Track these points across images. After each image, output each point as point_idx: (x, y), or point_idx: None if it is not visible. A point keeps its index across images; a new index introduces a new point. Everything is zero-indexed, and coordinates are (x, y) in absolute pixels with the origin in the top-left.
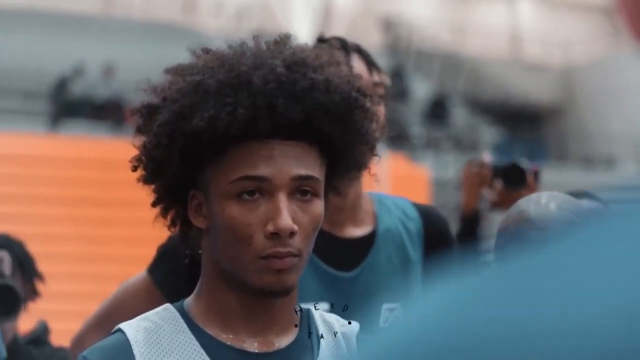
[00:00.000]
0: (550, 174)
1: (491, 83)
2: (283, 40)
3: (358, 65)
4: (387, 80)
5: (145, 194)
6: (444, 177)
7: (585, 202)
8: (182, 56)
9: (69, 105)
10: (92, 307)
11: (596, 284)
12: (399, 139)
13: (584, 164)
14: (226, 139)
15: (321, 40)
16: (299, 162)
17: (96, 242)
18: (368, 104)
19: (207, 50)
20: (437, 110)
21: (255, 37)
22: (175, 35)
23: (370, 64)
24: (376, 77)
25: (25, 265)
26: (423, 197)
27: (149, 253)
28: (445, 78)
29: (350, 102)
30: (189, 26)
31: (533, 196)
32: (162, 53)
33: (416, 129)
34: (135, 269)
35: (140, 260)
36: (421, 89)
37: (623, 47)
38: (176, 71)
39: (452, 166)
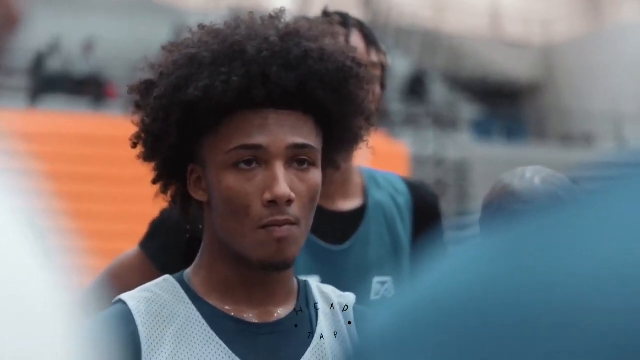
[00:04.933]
0: (529, 152)
1: (471, 60)
2: (277, 15)
3: (356, 42)
4: (386, 59)
5: (124, 170)
6: (423, 154)
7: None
8: (160, 32)
9: (48, 81)
10: (71, 280)
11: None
12: (377, 116)
13: (563, 141)
14: (221, 108)
15: (324, 15)
16: (294, 131)
17: (76, 217)
18: (363, 74)
19: (202, 27)
20: (416, 87)
21: (250, 13)
22: (154, 11)
23: (371, 42)
24: (374, 57)
25: None
26: (402, 173)
27: (129, 228)
28: (425, 55)
29: (345, 71)
30: (168, 2)
31: (517, 170)
32: (141, 29)
33: (395, 105)
34: (114, 244)
35: (120, 235)
36: (400, 66)
37: (603, 25)
38: (172, 46)
39: (431, 143)
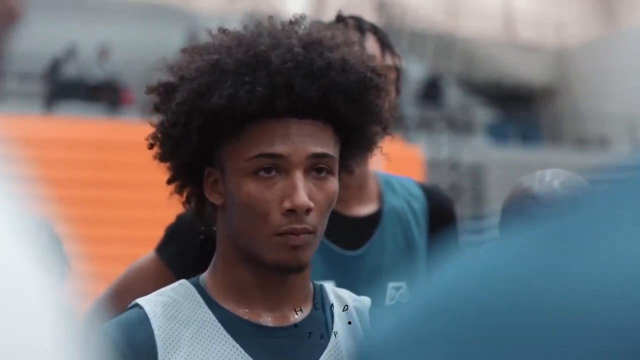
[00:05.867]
0: (544, 155)
1: (485, 64)
2: (298, 20)
3: (371, 46)
4: (400, 62)
5: (140, 176)
6: (438, 158)
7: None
8: (175, 37)
9: (64, 87)
10: (86, 286)
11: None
12: (393, 120)
13: (577, 144)
14: (244, 117)
15: (339, 19)
16: (314, 140)
17: (91, 223)
18: (382, 84)
19: (223, 30)
20: (431, 91)
21: (270, 18)
22: (169, 16)
23: (385, 45)
24: (389, 60)
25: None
26: (417, 177)
27: (143, 234)
28: (439, 59)
29: (365, 82)
30: (183, 7)
31: (537, 174)
32: (156, 34)
33: (410, 109)
34: (129, 249)
35: (134, 241)
36: (415, 70)
37: (616, 28)
38: (193, 50)
39: (446, 147)
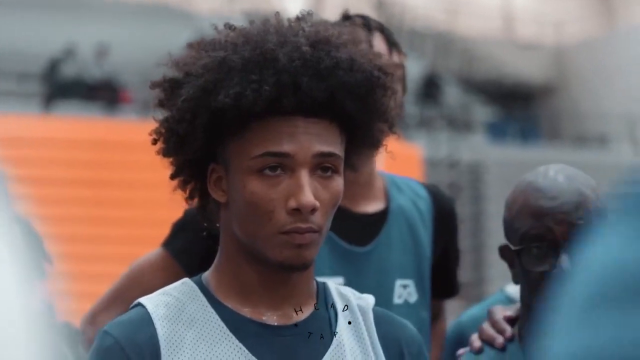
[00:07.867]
0: (543, 153)
1: (484, 62)
2: (304, 17)
3: (379, 44)
4: (405, 61)
5: (138, 175)
6: (437, 156)
7: None
8: (174, 37)
9: (62, 87)
10: (84, 286)
11: None
12: (400, 118)
13: (576, 143)
14: (250, 115)
15: (345, 17)
16: (320, 140)
17: (90, 222)
18: (389, 83)
19: (230, 26)
20: (430, 90)
21: (277, 14)
22: (168, 16)
23: (392, 44)
24: (396, 58)
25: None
26: (416, 176)
27: (143, 233)
28: (438, 57)
29: (372, 81)
30: (182, 7)
31: (540, 169)
32: (155, 34)
33: (409, 108)
34: (128, 249)
35: (134, 240)
36: (414, 69)
37: (616, 26)
38: (199, 46)
39: (445, 145)
